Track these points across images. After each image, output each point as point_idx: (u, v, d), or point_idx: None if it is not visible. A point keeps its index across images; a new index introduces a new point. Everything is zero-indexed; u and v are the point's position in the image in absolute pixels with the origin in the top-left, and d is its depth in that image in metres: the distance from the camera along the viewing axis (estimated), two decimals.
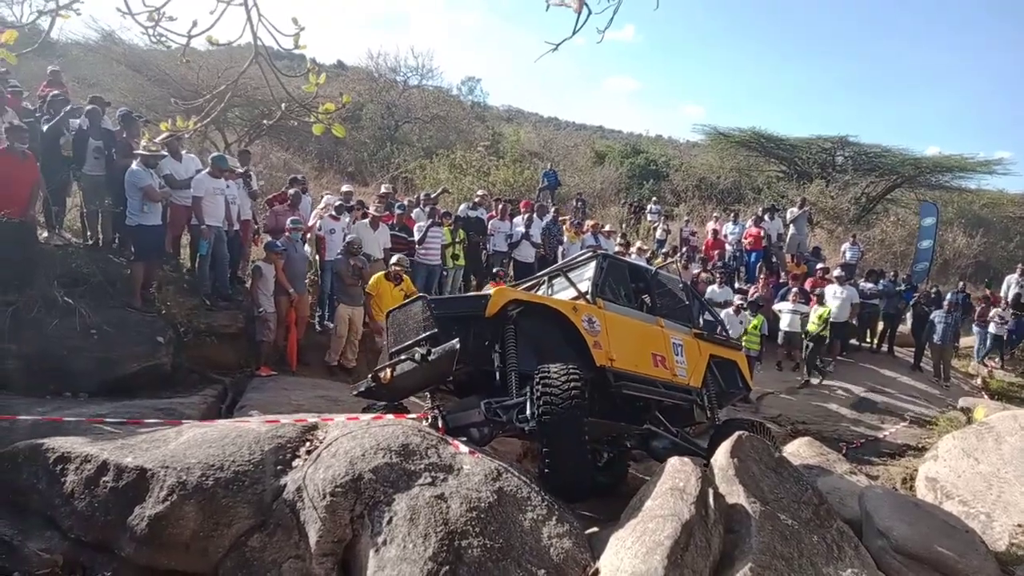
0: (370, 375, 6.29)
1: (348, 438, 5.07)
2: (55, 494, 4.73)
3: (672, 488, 4.80)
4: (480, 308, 5.71)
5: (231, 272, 9.64)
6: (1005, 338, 15.10)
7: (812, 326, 12.50)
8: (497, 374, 5.75)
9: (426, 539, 4.32)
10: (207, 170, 8.92)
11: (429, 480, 4.80)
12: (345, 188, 12.06)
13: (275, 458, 4.92)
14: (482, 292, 6.13)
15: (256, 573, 4.41)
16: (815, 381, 12.65)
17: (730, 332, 11.14)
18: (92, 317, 7.73)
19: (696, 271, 13.85)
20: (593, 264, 6.95)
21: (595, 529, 5.32)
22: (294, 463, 4.93)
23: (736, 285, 14.61)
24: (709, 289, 13.02)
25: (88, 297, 7.95)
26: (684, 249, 15.53)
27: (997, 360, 15.28)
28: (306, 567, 4.42)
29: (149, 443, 5.07)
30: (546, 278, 7.56)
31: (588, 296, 6.45)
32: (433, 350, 5.52)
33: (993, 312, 15.12)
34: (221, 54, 17.85)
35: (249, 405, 7.84)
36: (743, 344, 12.13)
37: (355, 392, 6.62)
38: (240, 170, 9.98)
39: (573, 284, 6.70)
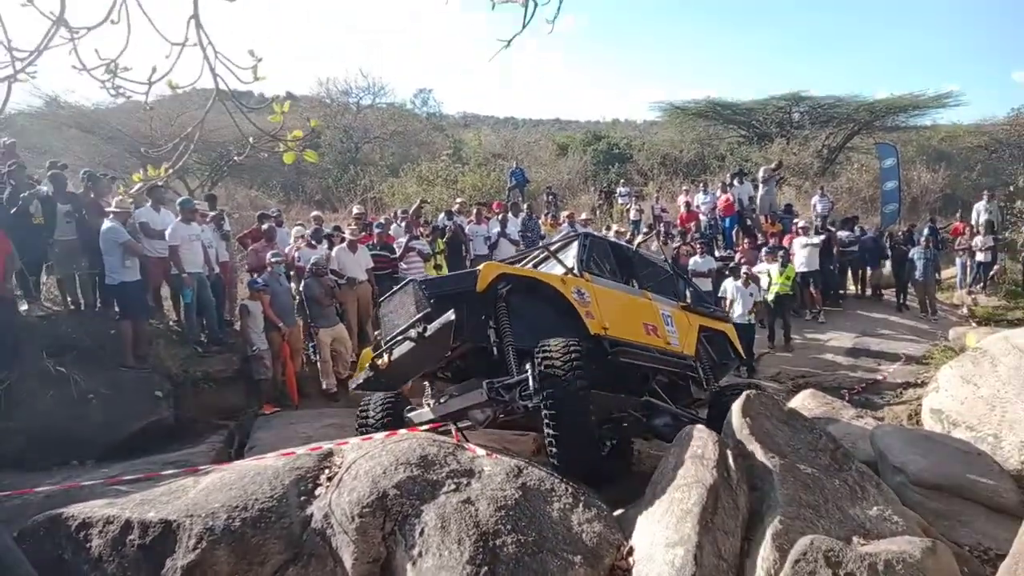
0: (367, 364, 6.26)
1: (366, 459, 5.07)
2: (82, 561, 4.67)
3: (692, 456, 4.86)
4: (471, 283, 5.67)
5: (219, 316, 9.60)
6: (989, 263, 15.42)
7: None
8: (495, 351, 5.72)
9: (460, 544, 4.35)
10: (179, 217, 8.88)
11: (453, 487, 4.83)
12: (314, 214, 12.02)
13: (297, 489, 4.91)
14: (471, 269, 6.09)
15: None
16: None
17: (739, 306, 11.31)
18: (87, 382, 7.68)
19: (676, 245, 14.00)
20: (576, 243, 7.03)
21: (621, 511, 5.39)
22: (317, 492, 4.93)
23: (717, 253, 14.78)
24: (692, 260, 13.13)
25: (79, 363, 7.89)
26: (660, 225, 15.69)
27: (979, 287, 15.60)
28: None
29: (169, 495, 5.04)
30: (531, 263, 7.58)
31: (575, 271, 6.48)
32: (429, 325, 5.49)
33: (977, 240, 15.43)
34: (170, 103, 17.74)
35: (259, 445, 7.81)
36: (777, 292, 12.35)
37: (354, 386, 6.58)
38: (212, 213, 9.94)
39: (559, 260, 6.73)
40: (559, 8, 3.81)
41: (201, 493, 4.98)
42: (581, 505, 5.05)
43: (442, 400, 6.11)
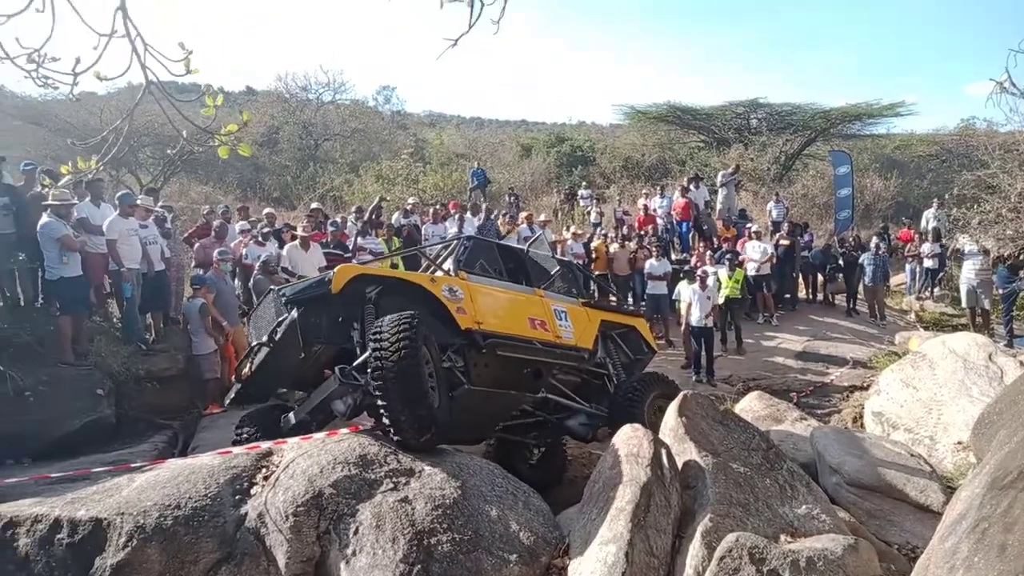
0: (233, 376, 6.25)
1: (304, 458, 5.05)
2: (8, 561, 4.56)
3: (627, 455, 4.93)
4: (326, 286, 5.66)
5: (164, 313, 9.42)
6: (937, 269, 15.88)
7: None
8: (358, 350, 5.68)
9: (395, 543, 4.36)
10: (117, 212, 8.70)
11: (391, 486, 4.83)
12: (267, 211, 11.87)
13: (232, 488, 4.86)
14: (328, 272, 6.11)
15: None
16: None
17: (696, 309, 11.33)
18: (24, 379, 7.47)
19: (633, 248, 14.16)
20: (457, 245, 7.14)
21: (565, 512, 5.46)
22: (252, 491, 4.89)
23: (673, 256, 14.97)
24: (648, 263, 13.25)
25: (17, 359, 7.65)
26: (624, 228, 15.89)
27: (927, 293, 16.07)
28: None
29: (101, 494, 4.94)
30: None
31: (450, 271, 6.52)
32: (277, 328, 5.57)
33: (925, 247, 15.88)
34: (124, 95, 17.38)
35: (203, 445, 7.67)
36: (727, 295, 12.48)
37: (227, 402, 6.64)
38: (157, 209, 9.75)
39: (431, 260, 6.85)
40: (504, 8, 3.86)
41: (134, 491, 4.90)
42: (521, 505, 5.12)
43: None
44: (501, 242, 8.96)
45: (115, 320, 9.41)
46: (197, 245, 10.38)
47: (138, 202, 9.27)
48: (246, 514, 4.71)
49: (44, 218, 7.96)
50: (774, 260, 14.17)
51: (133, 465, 5.79)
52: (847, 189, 19.94)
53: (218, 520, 4.64)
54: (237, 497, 4.82)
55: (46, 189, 7.75)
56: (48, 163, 13.18)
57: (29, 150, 16.91)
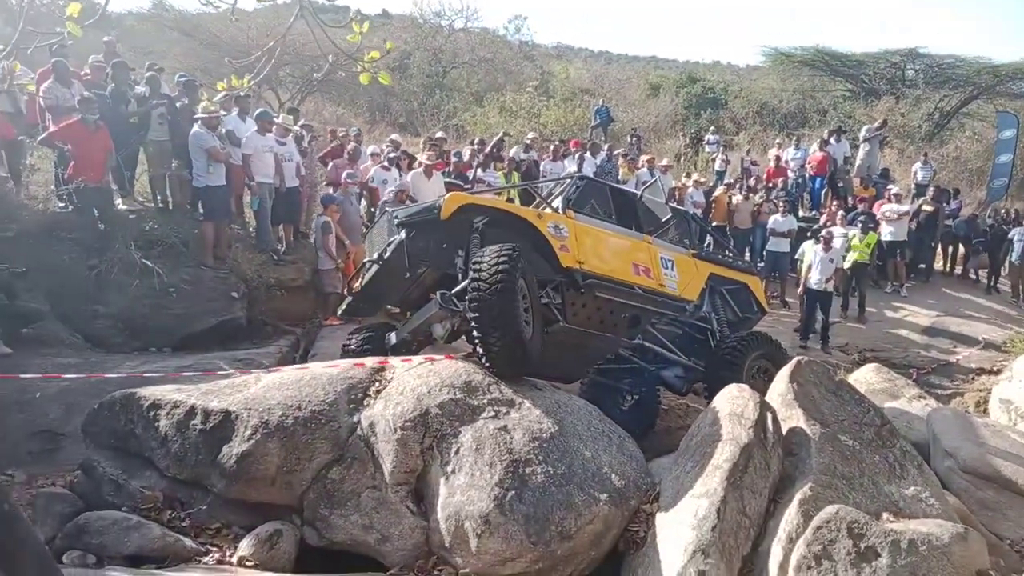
0: (345, 289, 6.55)
1: (414, 377, 5.29)
2: (151, 437, 5.14)
3: (730, 413, 4.87)
4: (435, 211, 5.76)
5: (295, 227, 9.98)
6: None
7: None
8: (460, 277, 5.80)
9: (492, 467, 4.55)
10: (255, 128, 9.16)
11: (492, 413, 5.00)
12: (392, 137, 12.15)
13: (348, 397, 5.19)
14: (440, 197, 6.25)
15: (337, 503, 4.74)
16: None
17: (816, 272, 10.80)
18: (169, 277, 8.21)
19: (758, 201, 13.52)
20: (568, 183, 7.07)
21: (657, 459, 5.48)
22: (365, 402, 5.20)
23: (801, 213, 14.19)
24: (772, 219, 12.62)
25: (164, 258, 8.42)
26: (751, 180, 15.15)
27: None
28: (382, 496, 4.72)
29: (231, 388, 5.41)
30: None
31: (559, 208, 6.47)
32: (387, 247, 5.85)
33: None
34: (268, 13, 18.01)
35: (320, 353, 8.21)
36: (854, 260, 11.81)
37: (340, 313, 7.09)
38: (295, 128, 10.20)
39: (541, 197, 6.78)
40: None
41: (261, 389, 5.33)
42: (615, 448, 5.19)
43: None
44: (615, 184, 8.81)
45: (251, 230, 10.08)
46: (331, 165, 10.84)
47: (277, 120, 9.73)
48: (359, 422, 5.03)
49: (194, 129, 8.54)
50: (913, 226, 13.16)
51: (253, 373, 6.29)
52: (1008, 155, 18.02)
53: (333, 424, 4.99)
54: (352, 406, 5.15)
55: (203, 103, 8.28)
56: (199, 74, 14.03)
57: (182, 61, 18.01)
